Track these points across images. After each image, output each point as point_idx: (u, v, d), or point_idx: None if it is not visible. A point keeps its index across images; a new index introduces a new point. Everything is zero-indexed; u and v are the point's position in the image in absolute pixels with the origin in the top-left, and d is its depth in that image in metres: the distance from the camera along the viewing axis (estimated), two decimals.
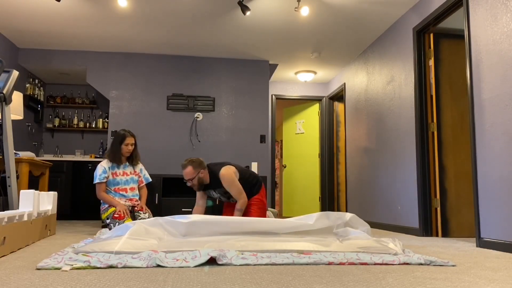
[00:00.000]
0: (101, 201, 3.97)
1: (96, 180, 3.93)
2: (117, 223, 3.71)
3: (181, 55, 6.13)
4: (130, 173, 4.10)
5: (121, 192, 4.01)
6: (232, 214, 3.91)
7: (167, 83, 6.06)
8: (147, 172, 4.25)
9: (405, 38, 4.61)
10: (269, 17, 4.82)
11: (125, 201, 4.01)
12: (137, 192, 4.13)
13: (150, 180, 4.23)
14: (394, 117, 4.81)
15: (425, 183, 4.17)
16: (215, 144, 6.05)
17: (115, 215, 3.79)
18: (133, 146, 4.07)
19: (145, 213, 3.99)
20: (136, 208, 4.03)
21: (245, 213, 3.90)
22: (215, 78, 6.18)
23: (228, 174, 3.79)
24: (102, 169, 3.97)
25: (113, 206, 3.87)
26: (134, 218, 3.95)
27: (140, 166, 4.20)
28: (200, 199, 4.01)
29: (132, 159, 4.11)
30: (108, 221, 3.84)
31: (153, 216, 4.68)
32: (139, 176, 4.17)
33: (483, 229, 3.21)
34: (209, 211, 5.36)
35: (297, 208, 7.59)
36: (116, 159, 4.01)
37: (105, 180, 3.95)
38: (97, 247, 2.35)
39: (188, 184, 3.83)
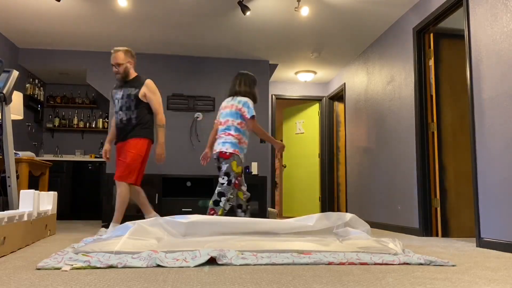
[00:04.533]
0: (233, 142, 3.62)
1: (253, 113, 3.62)
2: (233, 191, 3.58)
3: (181, 55, 6.13)
4: None
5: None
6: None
7: (167, 83, 6.06)
8: None
9: (405, 38, 4.61)
10: (269, 17, 4.82)
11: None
12: None
13: None
14: (394, 117, 4.81)
15: (425, 183, 4.17)
16: None
17: (236, 181, 3.59)
18: None
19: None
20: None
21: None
22: (215, 78, 6.17)
23: (154, 85, 3.81)
24: (253, 104, 3.73)
25: (272, 142, 3.77)
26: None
27: None
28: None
29: None
30: (233, 180, 3.55)
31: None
32: None
33: (483, 229, 3.21)
34: (206, 211, 5.36)
35: (297, 208, 7.59)
36: (256, 100, 3.84)
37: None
38: (97, 247, 2.35)
39: (114, 69, 3.76)
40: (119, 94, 3.80)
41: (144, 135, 3.74)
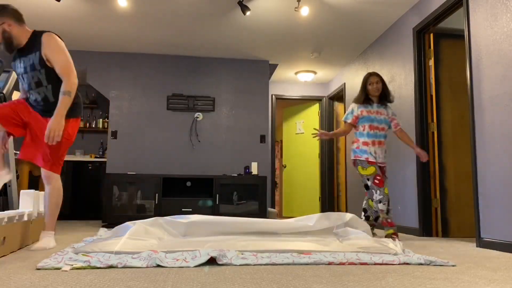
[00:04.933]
0: (353, 149, 3.80)
1: (345, 116, 3.88)
2: (378, 191, 3.58)
3: (181, 55, 6.13)
4: (383, 113, 3.85)
5: (374, 131, 3.76)
6: (31, 152, 2.78)
7: (167, 83, 6.06)
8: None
9: (405, 38, 4.61)
10: (269, 17, 4.82)
11: (377, 146, 3.74)
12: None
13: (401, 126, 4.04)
14: None
15: (425, 183, 4.17)
16: (215, 144, 6.05)
17: (375, 181, 3.61)
18: (379, 84, 3.83)
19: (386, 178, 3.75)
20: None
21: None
22: (215, 78, 6.18)
23: (58, 38, 2.75)
24: (352, 107, 3.88)
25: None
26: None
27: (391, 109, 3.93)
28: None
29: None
30: (369, 182, 3.63)
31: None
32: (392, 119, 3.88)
33: (483, 229, 3.21)
34: (209, 211, 5.36)
35: (297, 208, 7.59)
36: (358, 100, 3.85)
37: (349, 121, 3.83)
38: (97, 247, 2.35)
39: None
40: (20, 67, 2.77)
41: (69, 115, 2.77)
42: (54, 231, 2.84)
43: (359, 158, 3.71)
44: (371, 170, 3.64)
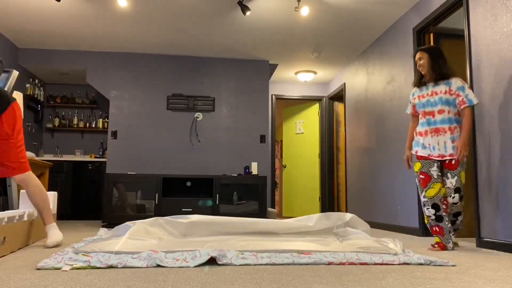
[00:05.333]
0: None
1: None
2: (422, 192, 3.08)
3: (181, 55, 6.13)
4: (440, 92, 3.16)
5: (427, 118, 3.19)
6: None
7: (167, 83, 6.06)
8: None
9: (405, 38, 4.61)
10: (269, 17, 4.82)
11: (431, 135, 3.16)
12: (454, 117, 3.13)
13: (474, 102, 3.04)
14: (394, 117, 4.81)
15: None
16: (215, 144, 6.05)
17: (418, 179, 3.13)
18: (422, 61, 3.23)
19: (454, 176, 3.04)
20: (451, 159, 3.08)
21: None
22: (215, 78, 6.18)
23: None
24: (412, 92, 3.38)
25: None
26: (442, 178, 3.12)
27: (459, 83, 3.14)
28: None
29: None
30: (416, 180, 3.15)
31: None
32: (458, 96, 3.10)
33: (483, 229, 3.21)
34: (209, 211, 5.36)
35: (297, 208, 7.59)
36: (417, 81, 3.33)
37: (409, 112, 3.38)
38: (97, 247, 2.35)
39: None
40: None
41: (5, 102, 2.72)
42: (54, 222, 2.92)
43: (412, 152, 3.27)
44: (417, 166, 3.17)
